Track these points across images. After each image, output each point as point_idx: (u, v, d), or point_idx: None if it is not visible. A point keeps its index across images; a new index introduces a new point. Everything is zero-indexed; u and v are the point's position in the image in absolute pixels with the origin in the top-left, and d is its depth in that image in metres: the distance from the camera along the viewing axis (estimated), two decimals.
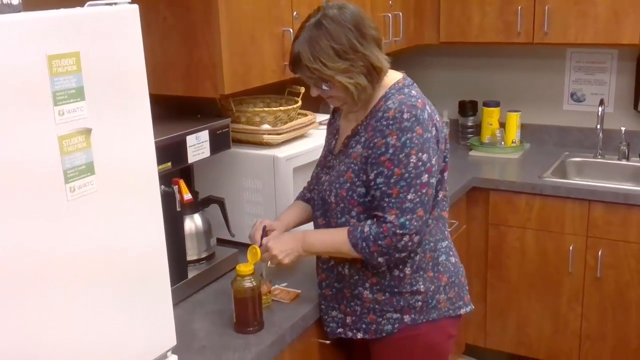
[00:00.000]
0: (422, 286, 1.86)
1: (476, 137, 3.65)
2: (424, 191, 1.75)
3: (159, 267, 1.20)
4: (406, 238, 1.74)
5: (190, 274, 2.08)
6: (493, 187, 3.12)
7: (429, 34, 3.41)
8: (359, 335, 1.92)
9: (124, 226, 1.14)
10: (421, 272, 1.86)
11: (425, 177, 1.74)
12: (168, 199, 1.88)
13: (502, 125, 3.54)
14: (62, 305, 1.04)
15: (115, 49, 1.12)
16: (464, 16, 3.31)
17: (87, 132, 1.04)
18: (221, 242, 2.24)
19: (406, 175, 1.73)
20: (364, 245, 1.77)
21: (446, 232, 1.97)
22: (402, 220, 1.73)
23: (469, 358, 3.44)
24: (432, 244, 1.89)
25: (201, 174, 2.31)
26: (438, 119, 1.85)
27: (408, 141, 1.72)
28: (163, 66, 2.17)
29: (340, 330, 1.95)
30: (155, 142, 1.83)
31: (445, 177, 1.91)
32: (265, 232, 1.96)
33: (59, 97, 1.00)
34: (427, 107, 1.80)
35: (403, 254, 1.78)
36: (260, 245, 1.92)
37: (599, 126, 3.28)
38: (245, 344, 1.76)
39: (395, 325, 1.87)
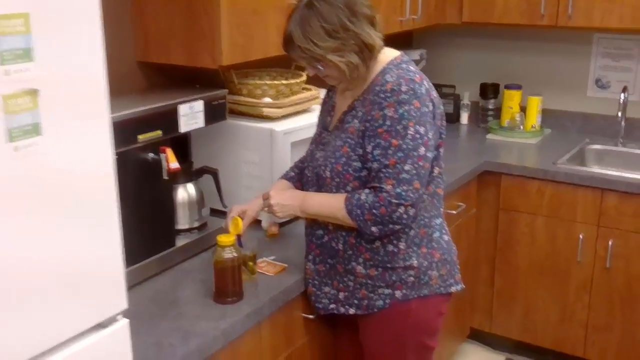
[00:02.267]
0: (415, 261, 1.86)
1: (496, 121, 3.59)
2: (420, 164, 1.75)
3: (111, 233, 1.22)
4: (401, 209, 1.74)
5: (180, 242, 2.11)
6: (505, 172, 3.06)
7: (451, 13, 3.35)
8: (351, 311, 1.93)
9: (71, 192, 1.16)
10: (415, 248, 1.87)
11: (422, 150, 1.75)
12: (155, 167, 1.91)
13: (523, 109, 3.46)
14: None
15: (70, 15, 1.13)
16: None
17: (34, 92, 1.06)
18: (215, 212, 2.26)
19: (404, 146, 1.73)
20: (359, 212, 1.77)
21: (441, 209, 1.96)
22: (398, 190, 1.73)
23: (474, 342, 3.42)
24: (426, 220, 1.89)
25: (200, 145, 2.33)
26: (435, 95, 1.85)
27: (406, 113, 1.73)
28: (165, 35, 2.18)
29: (332, 306, 1.96)
30: (146, 110, 1.89)
31: (441, 153, 1.91)
32: None
33: (5, 57, 1.01)
34: (425, 82, 1.80)
35: (397, 227, 1.78)
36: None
37: (620, 114, 3.19)
38: (221, 314, 1.78)
39: (387, 301, 1.88)
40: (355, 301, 1.92)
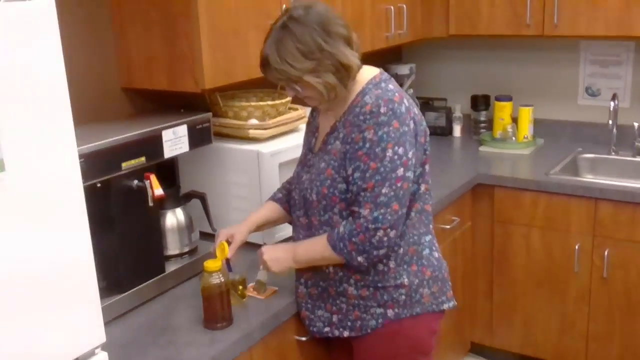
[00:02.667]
0: (405, 279, 1.84)
1: (488, 133, 3.57)
2: (399, 185, 1.73)
3: (83, 265, 1.19)
4: (380, 233, 1.73)
5: (171, 267, 2.09)
6: (498, 184, 3.04)
7: (438, 27, 3.35)
8: (346, 334, 1.91)
9: (39, 225, 1.14)
10: (405, 266, 1.85)
11: (400, 171, 1.73)
12: (140, 194, 1.89)
13: (515, 120, 3.45)
14: None
15: (31, 47, 1.11)
16: (473, 7, 3.24)
17: None
18: (205, 235, 2.24)
19: (382, 169, 1.72)
20: (342, 245, 1.77)
21: (430, 226, 1.94)
22: (375, 214, 1.72)
23: (476, 357, 3.38)
24: (415, 237, 1.87)
25: (187, 169, 2.31)
26: (417, 112, 1.84)
27: (385, 135, 1.72)
28: (146, 60, 2.18)
29: (327, 329, 1.93)
30: (129, 137, 1.88)
31: (427, 170, 1.90)
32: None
33: None
34: (405, 101, 1.79)
35: (382, 251, 1.76)
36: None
37: (611, 121, 3.18)
38: (210, 340, 1.76)
39: (379, 321, 1.86)
40: (349, 323, 1.90)
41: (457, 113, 3.69)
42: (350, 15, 2.73)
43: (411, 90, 3.61)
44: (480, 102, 3.62)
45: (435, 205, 2.69)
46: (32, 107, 1.12)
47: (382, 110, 1.72)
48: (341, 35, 1.76)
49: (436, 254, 1.94)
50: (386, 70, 3.55)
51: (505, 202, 3.05)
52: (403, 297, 1.85)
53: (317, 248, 1.84)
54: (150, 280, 1.98)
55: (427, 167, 1.89)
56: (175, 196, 2.15)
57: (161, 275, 2.03)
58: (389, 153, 1.72)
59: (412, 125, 1.78)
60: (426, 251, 1.90)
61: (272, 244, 1.99)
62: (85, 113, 2.17)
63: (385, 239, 1.74)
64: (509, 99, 3.46)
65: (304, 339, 2.01)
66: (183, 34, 2.06)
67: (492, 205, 3.09)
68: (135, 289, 1.93)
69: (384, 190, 1.72)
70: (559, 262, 2.98)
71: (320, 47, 1.72)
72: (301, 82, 1.76)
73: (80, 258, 1.18)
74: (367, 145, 1.73)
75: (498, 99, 3.48)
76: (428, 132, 1.91)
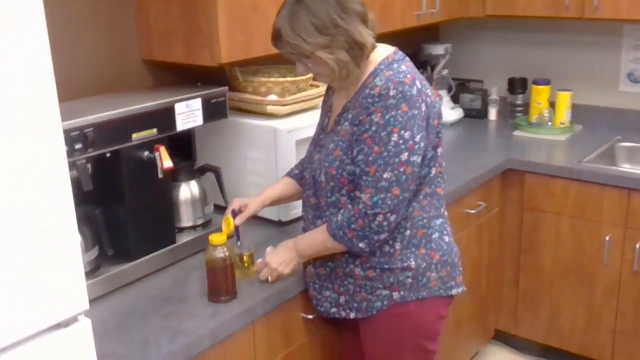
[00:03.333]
0: (412, 262, 1.82)
1: (524, 117, 3.48)
2: (401, 170, 1.70)
3: (66, 233, 1.20)
4: (380, 217, 1.71)
5: (183, 239, 2.10)
6: (529, 170, 2.96)
7: (474, 6, 3.26)
8: (352, 315, 1.90)
9: (20, 191, 1.15)
10: (413, 249, 1.82)
11: (404, 155, 1.70)
12: (151, 165, 1.91)
13: (553, 105, 3.35)
14: None
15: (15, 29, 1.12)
16: None
17: None
18: (220, 208, 2.25)
19: (385, 153, 1.70)
20: (342, 233, 1.76)
21: (441, 209, 1.90)
22: (375, 199, 1.71)
23: (499, 343, 3.33)
24: (425, 221, 1.84)
25: (206, 143, 2.32)
26: (430, 94, 1.80)
27: (392, 119, 1.69)
28: (166, 33, 2.19)
29: (334, 310, 1.93)
30: (140, 108, 1.89)
31: (439, 153, 1.85)
32: (235, 214, 1.98)
33: None
34: (417, 83, 1.74)
35: (382, 235, 1.74)
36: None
37: None
38: (212, 313, 1.77)
39: (385, 302, 1.84)
40: (355, 304, 1.88)
41: (494, 96, 3.60)
42: None
43: (445, 71, 3.54)
44: (518, 85, 3.52)
45: (459, 189, 2.66)
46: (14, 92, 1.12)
47: (392, 93, 1.69)
48: (357, 12, 1.72)
49: (447, 238, 1.90)
50: (421, 50, 3.54)
51: (535, 188, 2.97)
52: (409, 279, 1.83)
53: (318, 240, 1.83)
54: (160, 251, 2.01)
55: (439, 150, 1.85)
56: (190, 169, 2.16)
57: (172, 246, 2.04)
58: (394, 137, 1.69)
59: (423, 107, 1.74)
60: (436, 235, 1.86)
61: (270, 248, 1.96)
62: (107, 83, 2.22)
63: (385, 223, 1.72)
64: (547, 82, 3.35)
65: (310, 317, 2.00)
66: (201, 7, 2.06)
67: (521, 191, 3.01)
68: (143, 258, 1.96)
69: (385, 175, 1.70)
70: (589, 253, 2.89)
71: (335, 23, 1.69)
72: (313, 58, 1.73)
73: (62, 228, 1.19)
74: (374, 128, 1.70)
75: (536, 82, 3.37)
76: (442, 114, 1.86)
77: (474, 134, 3.42)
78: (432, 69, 3.49)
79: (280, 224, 2.30)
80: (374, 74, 1.76)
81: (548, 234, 2.98)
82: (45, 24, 1.14)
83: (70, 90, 2.03)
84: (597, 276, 2.90)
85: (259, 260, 1.93)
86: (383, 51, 1.81)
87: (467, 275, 2.86)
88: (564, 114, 3.31)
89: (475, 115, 3.64)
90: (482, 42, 3.69)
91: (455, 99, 3.66)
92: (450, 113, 3.55)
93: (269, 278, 1.89)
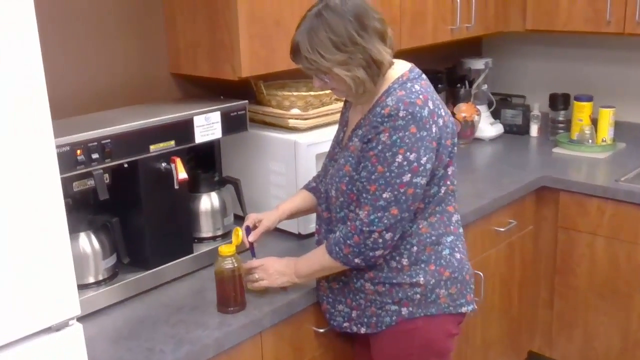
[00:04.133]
0: (422, 278, 1.81)
1: (566, 134, 3.40)
2: (402, 190, 1.70)
3: (58, 240, 1.26)
4: (375, 235, 1.72)
5: (202, 249, 2.15)
6: (563, 188, 2.89)
7: (515, 21, 3.22)
8: (363, 330, 1.90)
9: (12, 201, 1.20)
10: (422, 265, 1.82)
11: (407, 177, 1.70)
12: (168, 176, 1.96)
13: (595, 122, 3.26)
14: None
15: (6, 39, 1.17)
16: (552, 2, 3.08)
17: None
18: (240, 219, 2.28)
19: (387, 173, 1.70)
20: (338, 249, 1.78)
21: (451, 227, 1.88)
22: (372, 217, 1.72)
23: None
24: (433, 238, 1.83)
25: (230, 155, 2.37)
26: (444, 113, 1.78)
27: (399, 140, 1.69)
28: (192, 47, 2.25)
29: (346, 324, 1.93)
30: (159, 121, 1.94)
31: (450, 172, 1.84)
32: (249, 230, 2.01)
33: None
34: (430, 103, 1.73)
35: (377, 252, 1.75)
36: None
37: None
38: (218, 323, 1.80)
39: (393, 318, 1.84)
40: (365, 320, 1.89)
41: (536, 111, 3.53)
42: (410, 6, 2.68)
43: (485, 86, 3.50)
44: (560, 101, 3.44)
45: (486, 206, 2.63)
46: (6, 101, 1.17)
47: (401, 114, 1.68)
48: (376, 29, 1.72)
49: (458, 255, 1.88)
50: (460, 64, 3.51)
51: (570, 207, 2.90)
52: (418, 296, 1.82)
53: (316, 258, 1.85)
54: (177, 260, 2.05)
55: (450, 169, 1.83)
56: (211, 180, 2.20)
57: (189, 256, 2.09)
58: (399, 158, 1.68)
59: (434, 129, 1.72)
60: (446, 251, 1.85)
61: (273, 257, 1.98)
62: (138, 95, 2.29)
63: (380, 240, 1.72)
64: (589, 99, 3.27)
65: (321, 330, 2.01)
66: (223, 23, 2.11)
67: (556, 210, 2.94)
68: (160, 267, 2.01)
69: (385, 195, 1.70)
70: (625, 274, 2.80)
71: (354, 40, 1.69)
72: (330, 74, 1.74)
73: (54, 234, 1.24)
74: (380, 147, 1.70)
75: (577, 98, 3.29)
76: (455, 134, 1.84)
77: (512, 150, 3.36)
78: (471, 84, 3.45)
79: (299, 236, 2.31)
80: (387, 92, 1.76)
81: (583, 254, 2.91)
82: (38, 39, 1.19)
83: (103, 100, 2.15)
84: (634, 299, 2.80)
85: (256, 259, 1.95)
86: (399, 68, 1.81)
87: (496, 294, 2.85)
88: (605, 131, 3.22)
89: (516, 132, 3.58)
90: (524, 57, 3.64)
91: (496, 115, 3.61)
92: (490, 129, 3.50)
93: (255, 283, 1.90)
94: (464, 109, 3.33)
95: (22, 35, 1.18)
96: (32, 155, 1.21)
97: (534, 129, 3.56)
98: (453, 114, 3.32)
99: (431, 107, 1.73)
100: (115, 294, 1.92)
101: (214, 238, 2.21)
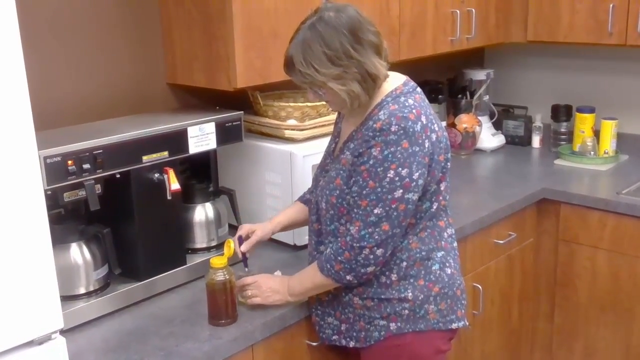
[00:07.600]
0: (410, 294, 1.79)
1: (568, 145, 3.37)
2: (393, 206, 1.68)
3: (41, 253, 1.25)
4: (366, 251, 1.70)
5: (196, 260, 2.13)
6: (564, 200, 2.87)
7: (516, 32, 3.20)
8: (352, 344, 1.88)
9: None
10: (411, 280, 1.80)
11: (398, 193, 1.68)
12: (161, 187, 1.95)
13: (597, 133, 3.24)
14: None
15: None
16: (553, 13, 3.07)
17: None
18: (234, 229, 2.26)
19: (379, 189, 1.68)
20: (329, 267, 1.76)
21: (442, 242, 1.86)
22: (363, 232, 1.70)
23: None
24: (423, 253, 1.81)
25: (226, 165, 2.36)
26: (437, 128, 1.76)
27: (390, 155, 1.66)
28: (188, 58, 2.24)
29: (335, 337, 1.92)
30: (152, 131, 1.93)
31: (442, 187, 1.82)
32: (242, 240, 1.99)
33: None
34: (423, 118, 1.71)
35: (369, 268, 1.73)
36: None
37: None
38: (209, 336, 1.79)
39: (382, 333, 1.82)
40: (354, 333, 1.87)
41: (538, 123, 3.51)
42: (409, 18, 2.67)
43: (486, 97, 3.48)
44: (562, 113, 3.42)
45: (484, 218, 2.60)
46: None
47: (393, 128, 1.65)
48: (371, 43, 1.69)
49: (449, 270, 1.85)
50: (462, 75, 3.49)
51: (570, 220, 2.87)
52: (406, 311, 1.80)
53: (308, 275, 1.84)
54: (170, 272, 2.04)
55: (442, 184, 1.81)
56: (205, 191, 2.19)
57: (182, 267, 2.08)
58: (390, 174, 1.66)
59: (426, 144, 1.70)
60: (436, 267, 1.82)
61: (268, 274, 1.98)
62: (135, 105, 2.29)
63: (371, 256, 1.71)
64: (591, 110, 3.25)
65: (314, 344, 1.99)
66: (219, 33, 2.10)
67: (557, 222, 2.92)
68: (152, 278, 1.99)
69: (376, 211, 1.68)
70: (626, 288, 2.77)
71: (349, 54, 1.66)
72: (324, 88, 1.71)
73: (37, 248, 1.23)
74: (371, 162, 1.68)
75: (580, 110, 3.28)
76: (449, 149, 1.83)
77: (513, 161, 3.34)
78: (472, 94, 3.44)
79: (294, 247, 2.30)
80: (380, 105, 1.74)
81: (584, 267, 2.88)
82: (21, 47, 1.19)
83: (100, 111, 2.16)
84: (635, 313, 2.77)
85: (251, 277, 1.93)
86: (393, 82, 1.78)
87: (495, 307, 2.82)
88: (608, 143, 3.20)
89: (518, 143, 3.56)
90: (527, 68, 3.62)
91: (498, 126, 3.59)
92: (491, 140, 3.48)
93: (247, 299, 1.89)
94: (465, 120, 3.32)
95: (4, 44, 1.17)
96: (15, 166, 1.20)
97: (535, 140, 3.53)
98: (454, 125, 3.31)
99: (424, 122, 1.71)
100: (106, 305, 1.90)
101: (208, 249, 2.20)
